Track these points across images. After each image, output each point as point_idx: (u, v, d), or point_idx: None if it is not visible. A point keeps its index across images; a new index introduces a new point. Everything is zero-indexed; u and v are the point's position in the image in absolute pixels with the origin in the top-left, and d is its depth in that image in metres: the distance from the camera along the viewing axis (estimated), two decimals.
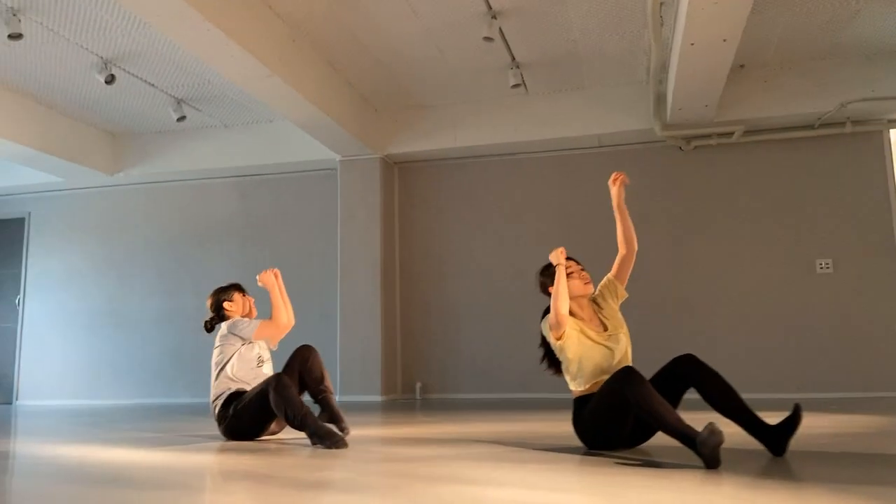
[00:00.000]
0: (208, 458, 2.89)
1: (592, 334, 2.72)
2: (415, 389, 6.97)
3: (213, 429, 3.57)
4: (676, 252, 6.59)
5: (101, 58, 5.75)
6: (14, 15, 4.93)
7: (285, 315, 3.57)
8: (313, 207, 7.49)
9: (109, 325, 7.82)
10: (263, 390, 3.18)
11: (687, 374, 2.53)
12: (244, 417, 3.30)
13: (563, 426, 3.57)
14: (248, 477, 2.31)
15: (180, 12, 4.12)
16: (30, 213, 8.32)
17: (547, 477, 2.17)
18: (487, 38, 5.17)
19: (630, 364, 2.66)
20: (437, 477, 2.21)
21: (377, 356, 6.75)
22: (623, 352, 2.73)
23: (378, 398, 6.67)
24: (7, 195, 8.33)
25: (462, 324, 7.00)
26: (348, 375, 6.82)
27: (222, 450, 3.08)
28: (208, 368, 8.03)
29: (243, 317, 3.73)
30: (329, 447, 2.91)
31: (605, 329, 2.78)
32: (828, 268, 6.18)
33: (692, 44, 4.61)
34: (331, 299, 7.11)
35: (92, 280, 7.95)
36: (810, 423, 3.66)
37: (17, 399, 7.95)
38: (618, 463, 2.37)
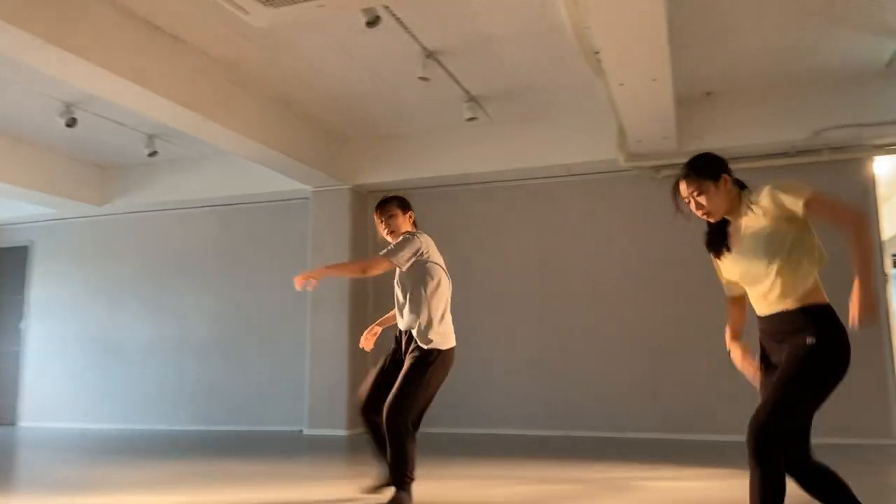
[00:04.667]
0: None
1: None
2: None
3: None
4: (645, 282, 6.33)
5: (63, 102, 5.91)
6: None
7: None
8: (289, 236, 7.52)
9: (100, 351, 8.06)
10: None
11: None
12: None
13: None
14: None
15: (89, 72, 4.17)
16: (32, 242, 8.65)
17: None
18: (423, 78, 5.06)
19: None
20: None
21: (344, 390, 6.72)
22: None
23: (344, 432, 6.65)
24: (12, 224, 8.69)
25: None
26: (316, 408, 6.82)
27: None
28: (189, 397, 8.22)
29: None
30: None
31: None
32: None
33: (621, 84, 4.39)
34: (304, 329, 7.12)
35: (85, 307, 8.21)
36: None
37: (18, 421, 8.29)
38: None
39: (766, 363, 2.33)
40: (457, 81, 5.58)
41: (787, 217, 2.17)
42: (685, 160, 6.13)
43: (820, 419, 2.24)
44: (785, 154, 5.87)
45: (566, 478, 4.26)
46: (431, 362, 3.27)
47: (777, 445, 2.12)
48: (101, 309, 8.13)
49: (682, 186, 2.35)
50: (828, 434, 5.78)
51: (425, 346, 3.28)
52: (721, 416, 5.92)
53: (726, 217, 2.34)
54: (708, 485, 3.97)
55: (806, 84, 5.64)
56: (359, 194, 7.23)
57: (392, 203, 3.58)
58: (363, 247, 7.23)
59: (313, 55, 5.11)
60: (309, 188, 7.17)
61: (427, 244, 3.43)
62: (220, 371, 7.53)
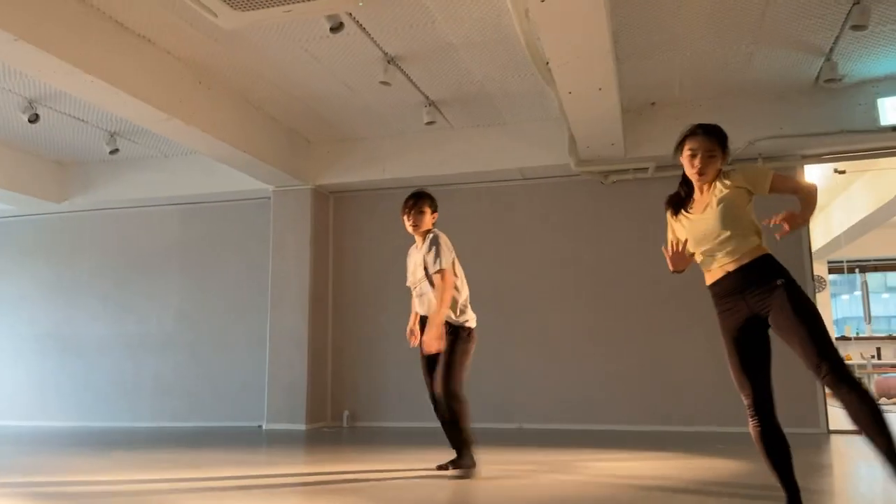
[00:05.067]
0: None
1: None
2: (342, 417, 7.08)
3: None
4: (595, 283, 6.65)
5: (25, 98, 5.95)
6: None
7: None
8: (251, 235, 7.64)
9: (56, 348, 8.03)
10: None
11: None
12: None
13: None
14: None
15: (59, 68, 4.28)
16: None
17: None
18: (385, 83, 5.29)
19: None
20: None
21: (303, 385, 6.87)
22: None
23: (303, 427, 6.79)
24: None
25: (392, 352, 7.08)
26: (275, 403, 6.95)
27: None
28: (147, 393, 8.25)
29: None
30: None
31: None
32: None
33: (570, 92, 4.69)
34: (264, 326, 7.24)
35: (41, 304, 8.17)
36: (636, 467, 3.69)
37: None
38: None
39: (733, 325, 2.59)
40: (416, 87, 5.83)
41: (748, 191, 2.57)
42: (632, 167, 6.52)
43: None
44: None
45: (520, 461, 4.52)
46: (466, 337, 3.72)
47: (845, 363, 2.39)
48: (59, 306, 8.10)
49: (697, 141, 2.65)
50: None
51: (459, 325, 3.70)
52: (667, 408, 6.27)
53: (696, 185, 2.68)
54: (643, 464, 4.27)
55: (741, 96, 6.05)
56: (320, 194, 7.40)
57: (425, 200, 3.88)
58: (324, 246, 7.40)
59: (279, 58, 5.29)
60: (270, 188, 7.31)
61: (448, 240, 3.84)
62: (181, 367, 7.59)
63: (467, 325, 3.79)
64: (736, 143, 5.94)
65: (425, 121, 6.18)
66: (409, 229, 3.93)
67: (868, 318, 10.65)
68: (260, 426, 7.02)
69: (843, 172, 6.89)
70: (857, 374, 11.32)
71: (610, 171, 6.51)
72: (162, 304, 7.78)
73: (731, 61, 5.37)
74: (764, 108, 6.02)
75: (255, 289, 7.48)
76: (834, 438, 5.60)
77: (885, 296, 19.44)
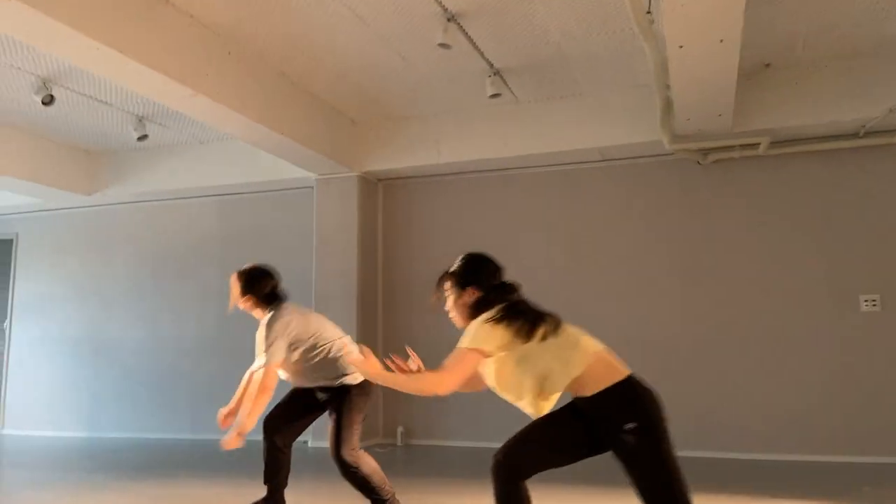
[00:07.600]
0: None
1: None
2: (396, 434, 6.28)
3: None
4: (691, 285, 5.65)
5: (38, 77, 5.27)
6: None
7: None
8: (294, 227, 6.88)
9: (90, 353, 7.45)
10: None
11: None
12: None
13: None
14: None
15: (59, 31, 3.53)
16: (17, 234, 8.04)
17: None
18: (444, 45, 4.40)
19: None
20: None
21: None
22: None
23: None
24: None
25: None
26: (322, 418, 6.18)
27: None
28: (186, 401, 7.52)
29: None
30: None
31: None
32: (874, 305, 5.14)
33: (681, 46, 3.72)
34: None
35: (74, 305, 7.60)
36: None
37: (2, 428, 7.69)
38: None
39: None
40: (479, 51, 4.92)
41: None
42: (739, 143, 5.42)
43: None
44: (853, 135, 5.19)
45: None
46: None
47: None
48: (89, 308, 7.52)
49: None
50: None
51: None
52: (777, 433, 5.26)
53: None
54: None
55: (877, 57, 4.94)
56: (368, 182, 6.58)
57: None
58: (372, 240, 6.59)
59: (320, 22, 4.45)
60: (313, 176, 6.52)
61: None
62: (221, 374, 6.90)
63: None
64: (873, 112, 4.92)
65: (489, 93, 5.28)
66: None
67: None
68: (305, 442, 6.28)
69: None
70: None
71: (711, 149, 5.49)
72: (198, 304, 7.08)
73: (875, 7, 4.28)
74: None
75: (298, 287, 6.67)
76: None
77: None
